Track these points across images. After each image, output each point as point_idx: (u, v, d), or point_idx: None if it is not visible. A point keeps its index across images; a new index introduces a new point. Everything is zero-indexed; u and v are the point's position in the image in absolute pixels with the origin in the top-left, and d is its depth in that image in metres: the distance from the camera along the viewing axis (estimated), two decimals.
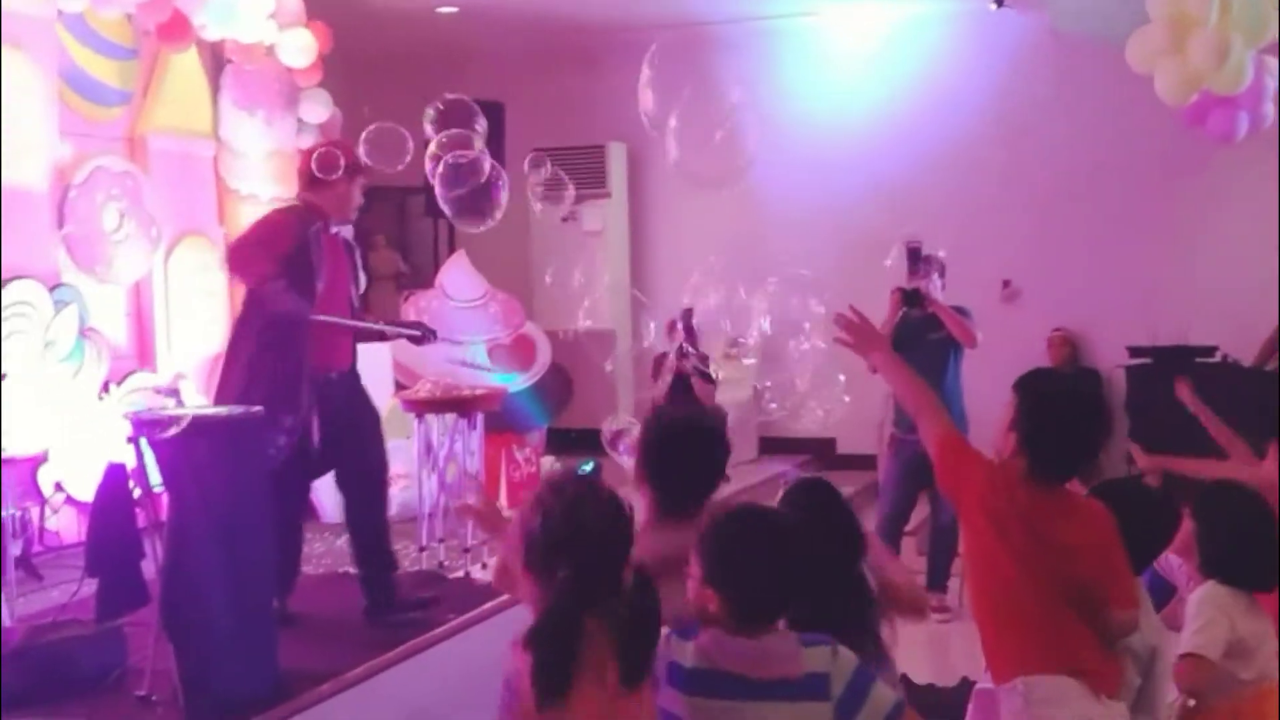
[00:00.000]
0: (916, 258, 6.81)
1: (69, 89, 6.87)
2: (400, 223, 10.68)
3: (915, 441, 3.43)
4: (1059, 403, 3.08)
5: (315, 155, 5.33)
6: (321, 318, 5.14)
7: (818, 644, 2.55)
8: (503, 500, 7.77)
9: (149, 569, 4.54)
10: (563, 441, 8.72)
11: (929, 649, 6.23)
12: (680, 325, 9.09)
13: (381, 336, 6.21)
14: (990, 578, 3.07)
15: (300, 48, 7.86)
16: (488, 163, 5.56)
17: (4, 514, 5.26)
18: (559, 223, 10.16)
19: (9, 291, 6.14)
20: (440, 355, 8.08)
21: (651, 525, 3.04)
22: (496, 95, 9.46)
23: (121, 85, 7.27)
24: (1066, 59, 9.23)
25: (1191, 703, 3.40)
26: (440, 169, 5.50)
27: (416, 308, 8.23)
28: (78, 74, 6.95)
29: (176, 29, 6.91)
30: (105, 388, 6.55)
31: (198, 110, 7.71)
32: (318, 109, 8.30)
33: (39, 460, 6.32)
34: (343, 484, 5.47)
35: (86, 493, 5.57)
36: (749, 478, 8.34)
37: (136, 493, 4.55)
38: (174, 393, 5.60)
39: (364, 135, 5.54)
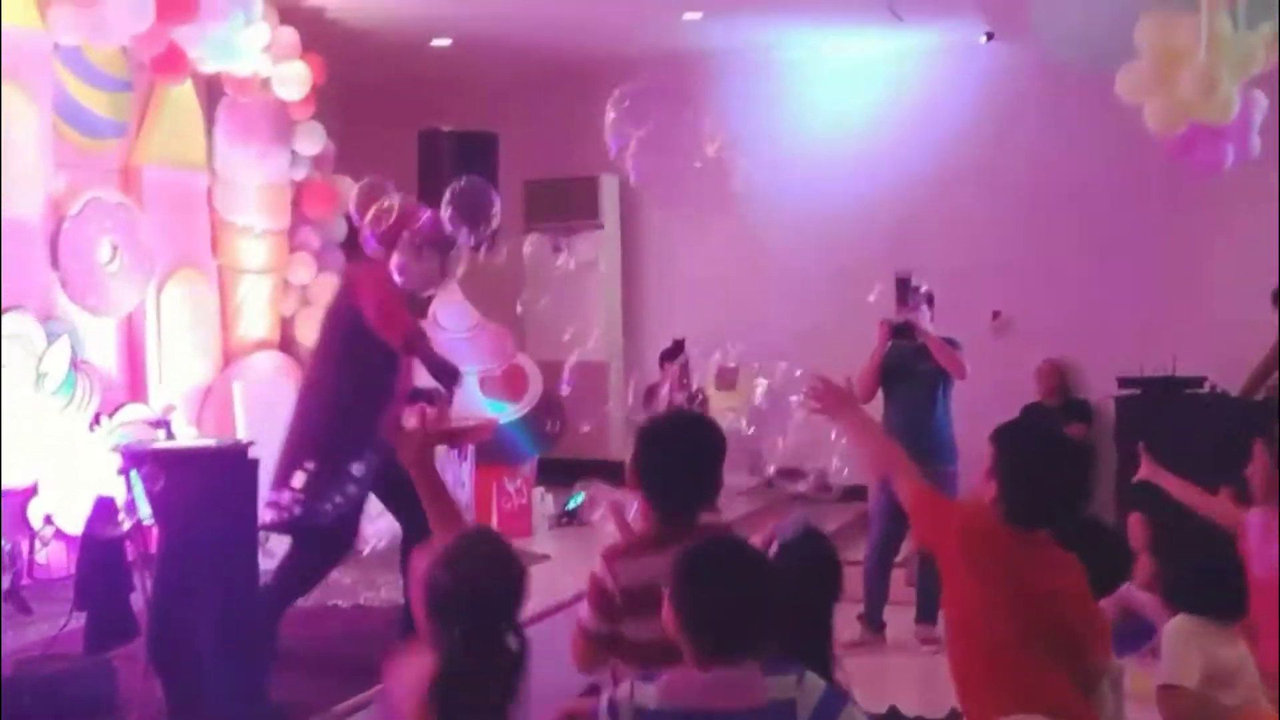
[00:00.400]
0: (906, 289, 6.86)
1: (63, 121, 6.89)
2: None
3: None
4: (1036, 454, 3.12)
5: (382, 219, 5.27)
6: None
7: (781, 672, 2.55)
8: None
9: (138, 602, 4.54)
10: (555, 472, 8.71)
11: (919, 681, 6.23)
12: (677, 357, 9.16)
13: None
14: (971, 622, 3.10)
15: (295, 80, 7.91)
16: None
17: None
18: (551, 254, 10.23)
19: (2, 323, 6.15)
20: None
21: (645, 543, 3.04)
22: (490, 127, 9.52)
23: (116, 117, 7.31)
24: (1056, 91, 9.29)
25: None
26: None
27: None
28: (72, 106, 6.98)
29: (172, 62, 6.95)
30: (97, 420, 6.54)
31: (192, 142, 7.74)
32: (312, 141, 8.33)
33: (29, 493, 6.32)
34: (403, 516, 5.40)
35: (76, 526, 5.57)
36: (741, 506, 8.32)
37: (126, 525, 4.57)
38: (165, 425, 5.61)
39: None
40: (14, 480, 6.13)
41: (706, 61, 10.09)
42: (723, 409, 8.48)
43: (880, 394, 7.01)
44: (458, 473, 6.52)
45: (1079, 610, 3.05)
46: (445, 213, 5.33)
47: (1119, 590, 4.21)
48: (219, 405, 7.53)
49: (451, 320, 8.41)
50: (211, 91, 7.88)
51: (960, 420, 6.92)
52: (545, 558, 7.22)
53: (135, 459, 4.43)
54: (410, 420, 5.64)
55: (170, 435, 5.43)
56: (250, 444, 4.54)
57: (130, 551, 4.65)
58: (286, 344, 8.32)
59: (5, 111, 6.29)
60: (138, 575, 4.52)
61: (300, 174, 8.37)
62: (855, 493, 8.55)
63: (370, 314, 5.07)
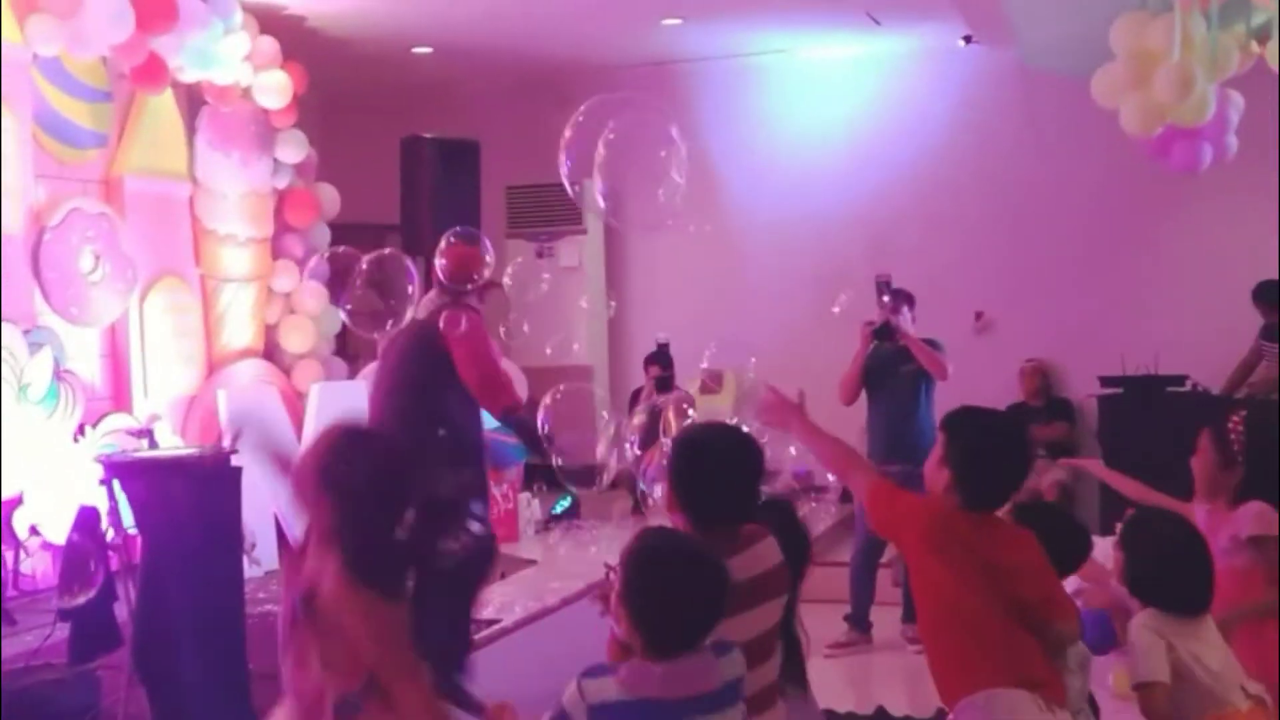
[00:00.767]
0: (885, 291, 6.89)
1: (43, 132, 6.89)
2: (378, 260, 10.69)
3: (893, 473, 3.52)
4: (986, 438, 3.22)
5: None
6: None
7: (727, 652, 2.65)
8: None
9: (122, 612, 4.54)
10: (541, 477, 8.72)
11: (906, 681, 6.25)
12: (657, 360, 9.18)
13: None
14: (940, 603, 3.18)
15: (276, 89, 7.92)
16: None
17: None
18: (535, 259, 10.24)
19: None
20: None
21: None
22: (472, 133, 9.53)
23: (96, 127, 7.30)
24: (1034, 93, 9.34)
25: None
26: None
27: None
28: (52, 117, 6.98)
29: (152, 72, 6.95)
30: (81, 430, 6.54)
31: (173, 152, 7.73)
32: (294, 149, 8.34)
33: (14, 503, 6.30)
34: None
35: (61, 536, 5.56)
36: None
37: (110, 535, 4.56)
38: (148, 434, 5.61)
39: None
40: None
41: (685, 67, 10.13)
42: (708, 412, 8.51)
43: (864, 396, 7.03)
44: None
45: (1039, 583, 3.16)
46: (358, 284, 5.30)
47: (1113, 590, 4.26)
48: (204, 414, 7.53)
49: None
50: (192, 101, 7.89)
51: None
52: (533, 563, 7.24)
53: (117, 469, 4.43)
54: None
55: (153, 444, 5.42)
56: (234, 452, 4.54)
57: (114, 561, 4.64)
58: (270, 352, 8.33)
59: None
60: (121, 585, 4.51)
61: (283, 182, 8.38)
62: (842, 493, 8.59)
63: (472, 378, 5.00)
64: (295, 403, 7.93)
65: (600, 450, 4.55)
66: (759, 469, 3.18)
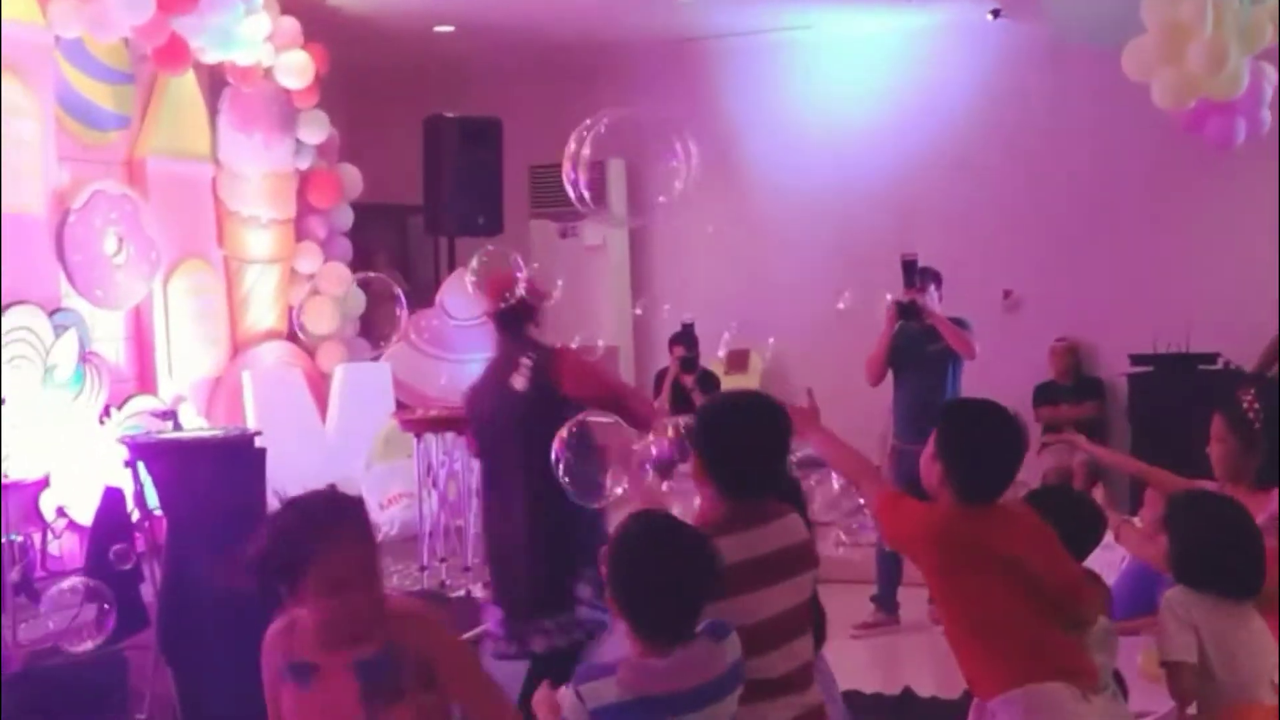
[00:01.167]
0: (912, 270, 6.81)
1: (66, 114, 6.89)
2: (401, 241, 10.69)
3: (916, 451, 3.48)
4: (975, 428, 3.21)
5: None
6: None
7: (725, 634, 2.62)
8: None
9: (148, 592, 4.55)
10: None
11: (933, 662, 6.21)
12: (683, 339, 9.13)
13: None
14: (962, 608, 3.16)
15: (298, 69, 7.89)
16: None
17: (5, 539, 5.26)
18: (559, 239, 10.20)
19: (9, 317, 6.16)
20: (446, 374, 8.12)
21: (713, 529, 2.92)
22: (494, 112, 9.49)
23: (119, 109, 7.30)
24: (1063, 68, 9.21)
25: (1191, 710, 3.40)
26: None
27: (417, 326, 8.24)
28: (75, 99, 6.98)
29: (174, 53, 6.94)
30: (106, 412, 6.56)
31: (196, 133, 7.73)
32: (316, 130, 8.32)
33: (41, 485, 6.33)
34: None
35: (88, 517, 5.57)
36: None
37: (135, 516, 4.57)
38: (171, 416, 5.61)
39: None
40: (25, 473, 6.14)
41: (709, 44, 10.05)
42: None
43: (890, 376, 6.97)
44: (466, 460, 6.50)
45: (1052, 565, 3.12)
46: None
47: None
48: (229, 395, 7.54)
49: (460, 308, 8.40)
50: (214, 82, 7.87)
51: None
52: None
53: (141, 450, 4.43)
54: None
55: (177, 426, 5.42)
56: (257, 433, 4.53)
57: (140, 542, 4.64)
58: (294, 333, 8.33)
59: (7, 106, 6.28)
60: (147, 566, 4.51)
61: (305, 163, 8.37)
62: None
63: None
64: (319, 384, 7.93)
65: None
66: (787, 438, 3.12)
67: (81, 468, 6.32)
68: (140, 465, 4.43)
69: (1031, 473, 8.37)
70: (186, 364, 7.46)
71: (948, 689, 5.43)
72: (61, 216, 6.69)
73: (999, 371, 8.26)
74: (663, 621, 2.56)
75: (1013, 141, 9.49)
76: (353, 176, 8.77)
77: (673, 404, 7.87)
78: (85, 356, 6.56)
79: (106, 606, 4.07)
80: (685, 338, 9.21)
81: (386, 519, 7.43)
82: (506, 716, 2.68)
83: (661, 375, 9.12)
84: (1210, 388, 7.79)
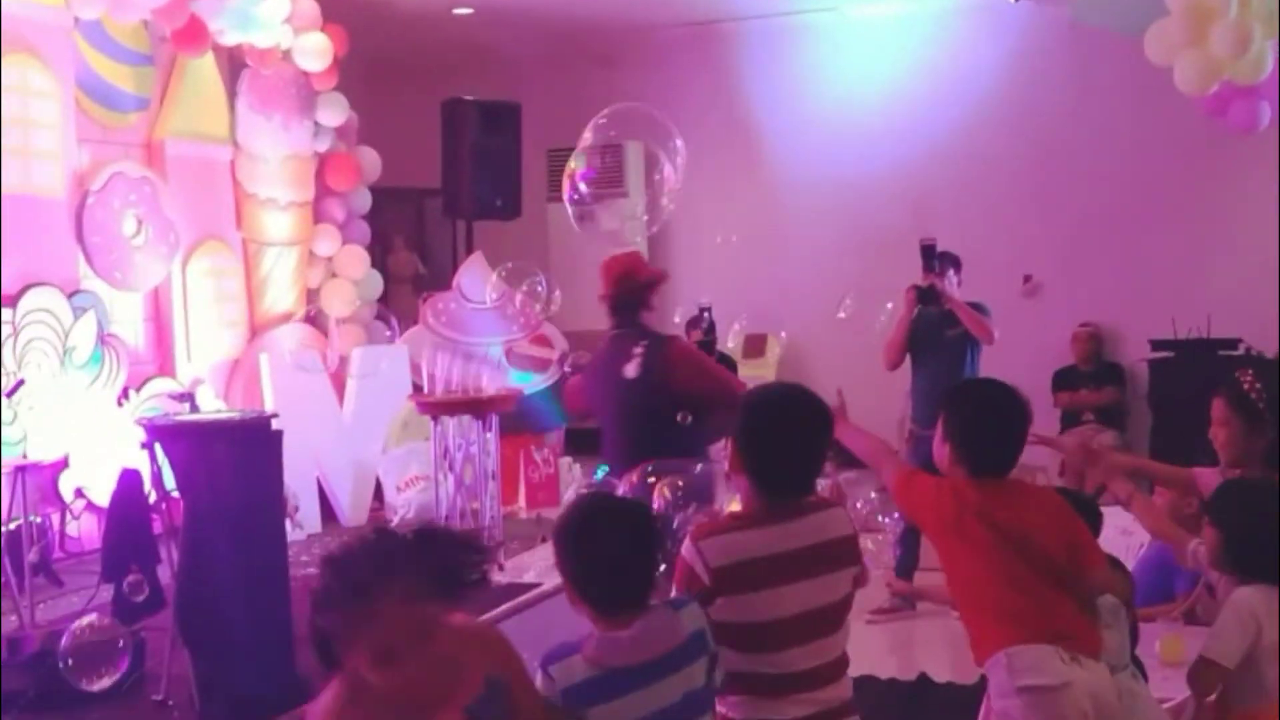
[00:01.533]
0: (931, 255, 6.76)
1: (86, 96, 6.91)
2: (419, 225, 10.70)
3: (933, 437, 3.49)
4: (979, 406, 3.33)
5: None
6: None
7: (685, 604, 2.66)
8: (522, 502, 7.79)
9: (165, 574, 4.56)
10: (581, 442, 8.70)
11: (949, 647, 6.19)
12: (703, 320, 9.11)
13: None
14: (962, 576, 3.26)
15: (316, 51, 7.89)
16: None
17: (23, 520, 5.28)
18: (577, 222, 10.17)
19: (28, 299, 6.18)
20: (463, 357, 8.10)
21: (742, 521, 2.94)
22: (513, 95, 9.47)
23: (138, 91, 7.31)
24: (1086, 52, 9.14)
25: (1213, 697, 3.38)
26: None
27: (434, 309, 8.24)
28: (94, 81, 6.99)
29: (193, 35, 6.94)
30: (125, 393, 6.58)
31: (215, 115, 7.74)
32: (335, 112, 8.32)
33: (60, 466, 6.36)
34: None
35: (107, 499, 5.60)
36: None
37: (153, 497, 4.58)
38: (189, 398, 5.63)
39: None
40: (45, 454, 6.17)
41: (730, 26, 10.00)
42: (749, 378, 8.45)
43: (909, 361, 6.93)
44: (482, 443, 6.51)
45: (1060, 536, 3.19)
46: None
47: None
48: (247, 377, 7.56)
49: (476, 290, 8.40)
50: (233, 64, 7.88)
51: None
52: None
53: (158, 432, 4.43)
54: None
55: (194, 408, 5.43)
56: (274, 415, 4.53)
57: (157, 524, 4.66)
58: (311, 316, 8.34)
59: (27, 88, 6.30)
60: (164, 548, 4.53)
61: (323, 145, 8.37)
62: None
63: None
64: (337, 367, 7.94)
65: None
66: (828, 436, 3.08)
67: (100, 449, 6.35)
68: (157, 447, 4.43)
69: (1052, 458, 8.36)
70: (205, 346, 7.48)
71: (964, 674, 5.40)
72: (81, 198, 6.72)
73: (1018, 356, 8.21)
74: (616, 595, 2.57)
75: (1034, 126, 9.43)
76: (371, 159, 8.77)
77: None
78: (104, 338, 6.59)
79: (121, 644, 4.06)
80: (702, 322, 9.21)
81: (403, 501, 7.46)
82: None
83: None
84: (1231, 374, 7.73)
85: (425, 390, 6.80)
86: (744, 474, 2.96)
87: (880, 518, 3.87)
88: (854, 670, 5.31)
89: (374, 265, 8.84)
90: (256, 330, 7.89)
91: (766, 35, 10.03)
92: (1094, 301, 9.27)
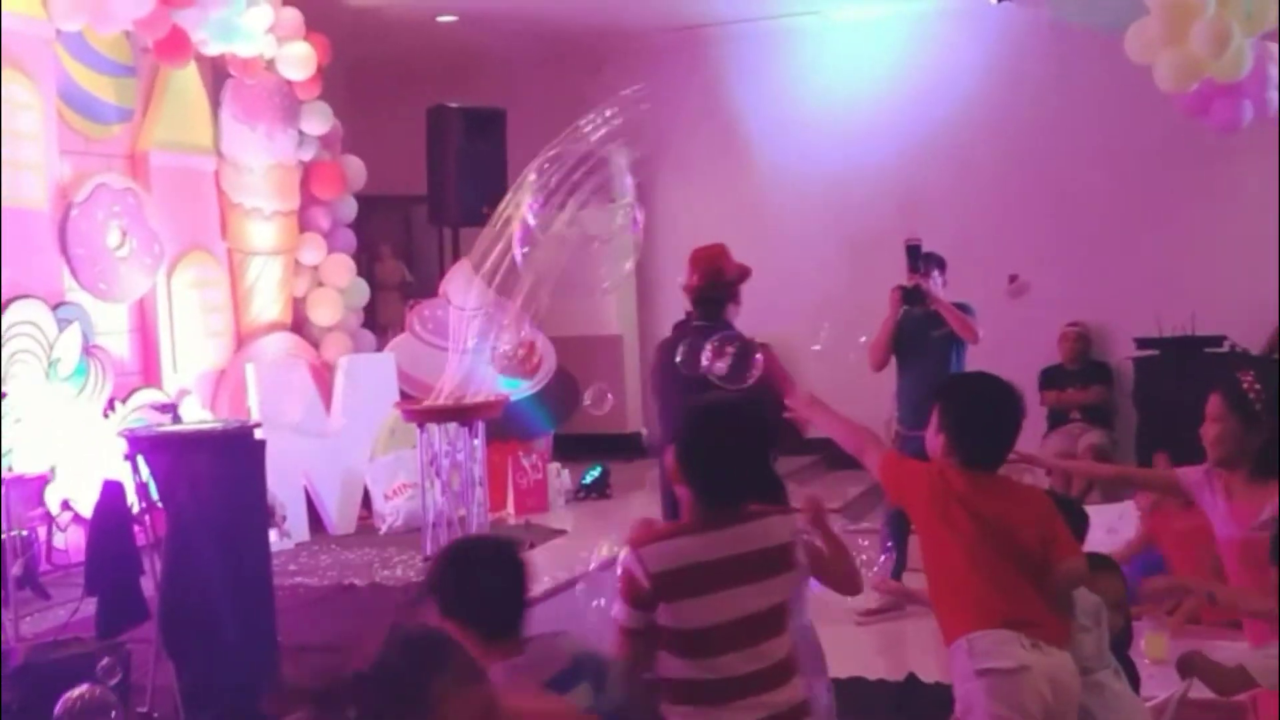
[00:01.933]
0: (916, 255, 6.78)
1: (68, 108, 6.90)
2: (406, 232, 10.69)
3: (919, 437, 3.56)
4: (975, 400, 3.43)
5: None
6: None
7: (563, 634, 2.72)
8: (510, 508, 7.79)
9: (150, 586, 4.55)
10: (570, 448, 8.71)
11: (937, 648, 6.17)
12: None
13: None
14: (939, 561, 3.37)
15: (300, 60, 7.89)
16: None
17: (6, 533, 5.27)
18: (564, 229, 10.17)
19: (13, 311, 6.17)
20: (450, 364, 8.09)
21: (684, 529, 2.98)
22: (499, 102, 9.47)
23: (121, 102, 7.30)
24: (1067, 52, 9.17)
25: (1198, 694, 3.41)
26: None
27: (421, 316, 8.24)
28: (77, 92, 6.98)
29: (175, 45, 6.93)
30: (110, 405, 6.57)
31: (198, 125, 7.73)
32: (319, 121, 8.32)
33: (45, 479, 6.35)
34: None
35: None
36: None
37: (137, 509, 4.57)
38: (171, 409, 5.62)
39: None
40: (30, 467, 6.16)
41: (716, 30, 10.02)
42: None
43: (894, 362, 6.94)
44: (469, 449, 6.51)
45: (1038, 530, 3.27)
46: None
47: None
48: (233, 388, 7.55)
49: (463, 297, 8.39)
50: (217, 74, 7.87)
51: None
52: (562, 533, 7.23)
53: (140, 444, 4.43)
54: None
55: (177, 419, 5.43)
56: (256, 425, 4.53)
57: (142, 535, 4.65)
58: (299, 325, 8.34)
59: (8, 100, 6.29)
60: (148, 559, 4.52)
61: (308, 154, 8.36)
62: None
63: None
64: (324, 375, 7.94)
65: None
66: (767, 444, 3.14)
67: (86, 461, 6.33)
68: (141, 459, 4.43)
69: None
70: (191, 357, 7.47)
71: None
72: (64, 210, 6.71)
73: (1005, 356, 8.16)
74: (498, 625, 2.60)
75: (1017, 126, 9.46)
76: (356, 168, 8.77)
77: None
78: (89, 350, 6.58)
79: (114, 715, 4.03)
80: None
81: (391, 509, 7.45)
82: None
83: None
84: (1216, 371, 7.75)
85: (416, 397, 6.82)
86: (685, 483, 3.00)
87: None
88: (842, 671, 5.37)
89: (361, 273, 8.84)
90: (242, 340, 7.88)
91: (751, 39, 10.05)
92: (1080, 300, 9.29)
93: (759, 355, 4.20)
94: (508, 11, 9.38)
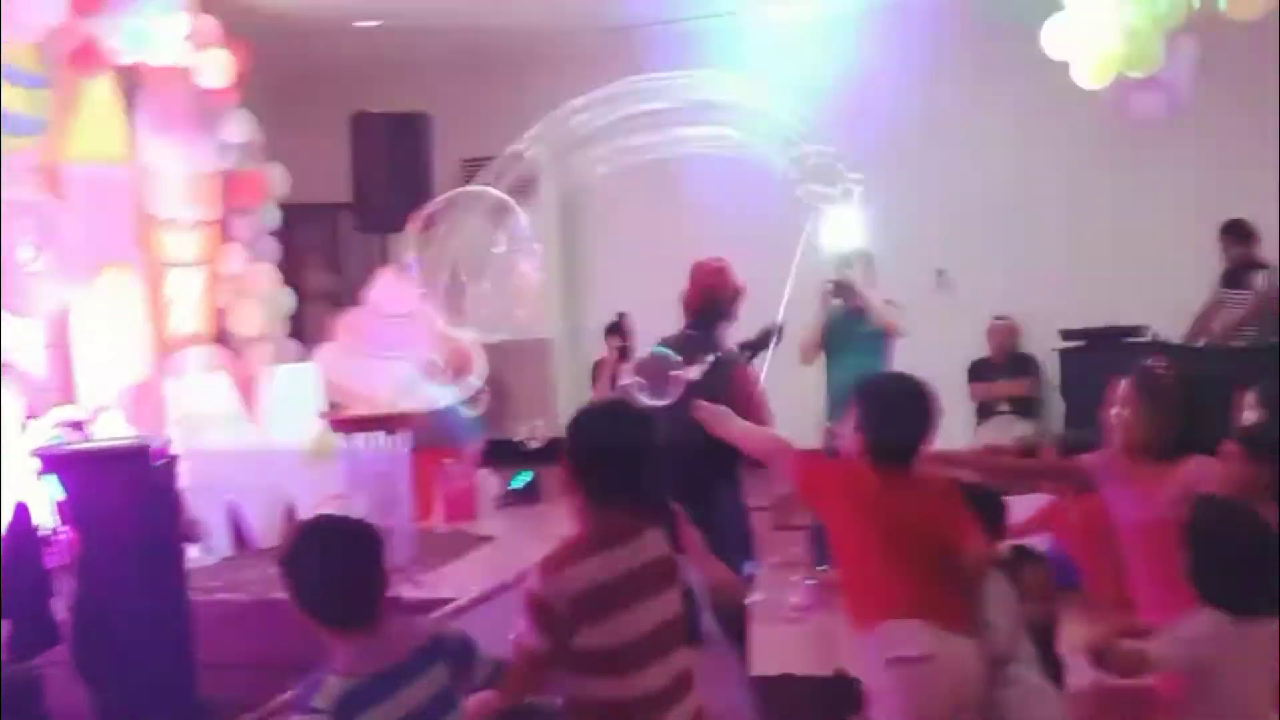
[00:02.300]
0: (843, 253, 6.81)
1: None
2: (333, 240, 10.59)
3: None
4: (887, 399, 3.53)
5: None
6: None
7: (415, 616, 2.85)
8: (439, 516, 7.74)
9: (62, 607, 4.47)
10: (499, 453, 8.65)
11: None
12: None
13: None
14: (851, 556, 3.48)
15: (218, 68, 7.78)
16: None
17: None
18: (490, 231, 10.12)
19: None
20: (377, 372, 8.03)
21: (587, 547, 2.92)
22: (422, 107, 9.40)
23: (34, 114, 7.15)
24: (990, 47, 9.24)
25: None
26: None
27: (348, 325, 8.16)
28: None
29: (88, 56, 6.83)
30: (25, 421, 6.44)
31: (113, 136, 7.60)
32: (239, 129, 8.21)
33: None
34: None
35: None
36: None
37: (51, 529, 4.49)
38: (80, 426, 5.52)
39: None
40: None
41: (636, 32, 9.99)
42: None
43: (824, 358, 6.98)
44: (396, 458, 6.45)
45: (946, 523, 3.39)
46: None
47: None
48: (153, 402, 7.42)
49: (391, 303, 8.32)
50: (132, 83, 7.74)
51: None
52: (490, 539, 7.19)
53: (53, 462, 4.35)
54: None
55: (88, 436, 5.33)
56: (168, 441, 4.46)
57: (55, 556, 4.57)
58: (220, 337, 8.22)
59: None
60: (61, 580, 4.44)
61: (229, 163, 8.25)
62: None
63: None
64: (248, 387, 7.83)
65: None
66: (657, 445, 3.09)
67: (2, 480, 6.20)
68: (54, 477, 4.34)
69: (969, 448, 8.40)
70: (109, 372, 7.34)
71: None
72: None
73: (934, 350, 8.27)
74: (351, 609, 2.64)
75: (940, 122, 9.52)
76: (278, 176, 8.66)
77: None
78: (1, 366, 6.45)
79: None
80: (620, 329, 9.21)
81: None
82: None
83: (598, 365, 9.10)
84: (1139, 361, 7.84)
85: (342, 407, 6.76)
86: (578, 494, 2.98)
87: None
88: (770, 669, 5.36)
89: (287, 282, 8.74)
90: (163, 353, 7.75)
91: (671, 40, 10.03)
92: (1006, 294, 9.38)
93: (676, 373, 4.25)
94: (429, 16, 9.32)
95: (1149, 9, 6.54)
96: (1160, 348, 8.12)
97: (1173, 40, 6.75)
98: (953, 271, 9.63)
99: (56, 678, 4.42)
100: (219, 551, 6.93)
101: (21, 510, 4.46)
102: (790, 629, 6.30)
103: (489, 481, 8.17)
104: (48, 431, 6.39)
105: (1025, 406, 8.97)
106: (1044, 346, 9.14)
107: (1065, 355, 8.68)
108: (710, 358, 4.49)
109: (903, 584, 3.31)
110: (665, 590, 2.98)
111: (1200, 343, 8.20)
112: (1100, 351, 8.28)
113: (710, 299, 4.90)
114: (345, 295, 9.77)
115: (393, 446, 6.45)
